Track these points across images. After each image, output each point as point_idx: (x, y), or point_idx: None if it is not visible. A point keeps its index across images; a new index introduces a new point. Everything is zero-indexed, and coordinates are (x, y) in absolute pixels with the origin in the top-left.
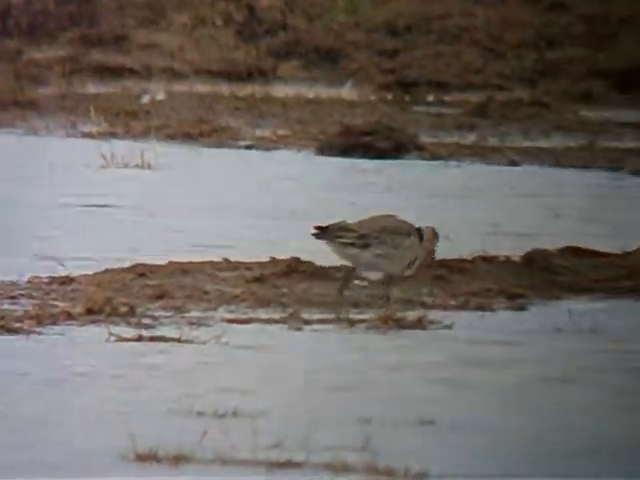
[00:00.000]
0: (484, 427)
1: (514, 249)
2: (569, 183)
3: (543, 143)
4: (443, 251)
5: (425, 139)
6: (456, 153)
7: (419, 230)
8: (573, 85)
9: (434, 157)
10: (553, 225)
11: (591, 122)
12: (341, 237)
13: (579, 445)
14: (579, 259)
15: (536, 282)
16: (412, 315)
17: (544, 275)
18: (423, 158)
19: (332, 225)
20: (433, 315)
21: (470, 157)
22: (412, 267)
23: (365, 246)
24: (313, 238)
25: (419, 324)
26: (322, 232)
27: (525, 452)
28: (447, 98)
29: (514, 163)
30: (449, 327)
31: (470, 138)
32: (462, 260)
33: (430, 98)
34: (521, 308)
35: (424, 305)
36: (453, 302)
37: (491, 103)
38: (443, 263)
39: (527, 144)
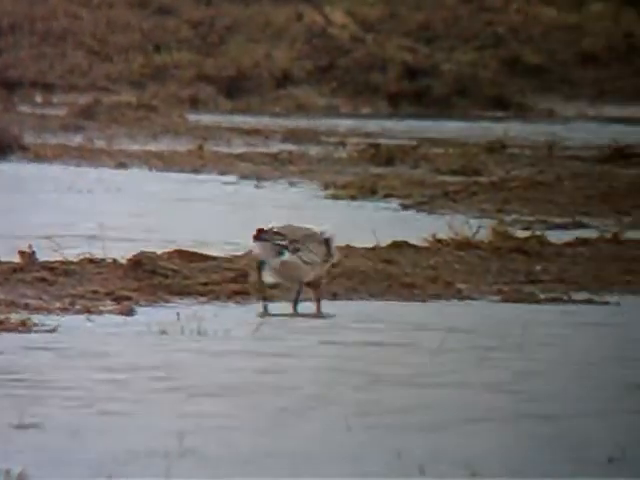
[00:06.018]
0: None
1: (124, 251)
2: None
3: (151, 146)
4: (47, 253)
5: (30, 140)
6: (62, 155)
7: (327, 240)
8: (181, 89)
9: (38, 158)
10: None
11: (199, 126)
12: (275, 240)
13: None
14: (187, 262)
15: (143, 285)
16: (16, 317)
17: (151, 278)
18: (27, 159)
19: (267, 230)
20: (37, 318)
21: (77, 159)
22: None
23: (295, 250)
24: None
25: (23, 327)
26: (260, 235)
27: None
28: (55, 99)
29: (123, 165)
30: (54, 330)
31: (76, 140)
32: (68, 262)
33: (38, 99)
34: (129, 311)
35: (27, 307)
36: (58, 304)
37: (98, 105)
38: (46, 265)
39: (135, 147)
